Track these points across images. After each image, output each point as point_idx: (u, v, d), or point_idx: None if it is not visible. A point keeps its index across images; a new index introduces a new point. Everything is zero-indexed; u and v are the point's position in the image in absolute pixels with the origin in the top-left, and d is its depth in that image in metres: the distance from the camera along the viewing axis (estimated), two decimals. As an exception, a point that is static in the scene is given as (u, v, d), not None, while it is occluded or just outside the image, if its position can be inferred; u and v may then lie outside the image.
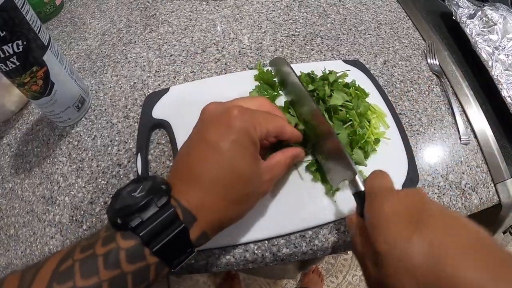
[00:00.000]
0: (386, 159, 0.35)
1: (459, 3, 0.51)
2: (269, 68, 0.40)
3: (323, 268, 1.11)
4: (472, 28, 0.48)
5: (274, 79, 0.38)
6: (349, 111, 0.35)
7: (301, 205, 0.32)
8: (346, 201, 0.32)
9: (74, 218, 0.33)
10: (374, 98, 0.39)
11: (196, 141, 0.25)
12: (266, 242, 0.31)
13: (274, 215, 0.31)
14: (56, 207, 0.33)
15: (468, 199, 0.35)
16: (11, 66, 0.30)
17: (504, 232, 0.43)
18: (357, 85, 0.39)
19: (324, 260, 1.10)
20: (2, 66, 0.30)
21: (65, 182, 0.35)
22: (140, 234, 0.20)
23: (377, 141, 0.35)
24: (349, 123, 0.34)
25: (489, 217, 0.40)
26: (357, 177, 0.26)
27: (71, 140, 0.38)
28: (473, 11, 0.50)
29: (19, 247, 0.32)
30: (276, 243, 0.31)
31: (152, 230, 0.20)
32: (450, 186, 0.36)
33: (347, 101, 0.36)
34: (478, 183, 0.38)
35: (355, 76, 0.41)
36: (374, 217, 0.20)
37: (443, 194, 0.35)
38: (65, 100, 0.36)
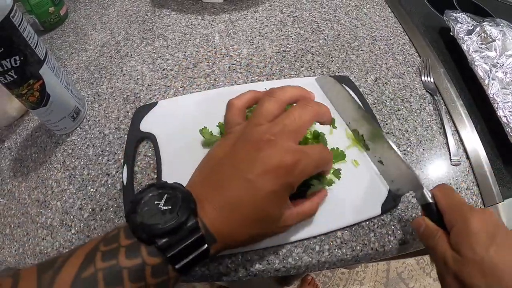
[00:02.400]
0: (366, 178, 0.35)
1: (458, 19, 0.50)
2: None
3: (320, 281, 1.10)
4: (469, 44, 0.47)
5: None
6: None
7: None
8: (318, 218, 0.32)
9: (64, 222, 0.34)
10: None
11: (229, 159, 0.24)
12: (240, 256, 0.32)
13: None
14: (49, 210, 0.35)
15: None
16: (9, 79, 0.32)
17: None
18: None
19: (321, 273, 1.08)
20: (1, 78, 0.32)
21: (58, 188, 0.37)
22: (168, 256, 0.21)
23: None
24: None
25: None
26: (424, 190, 0.29)
27: (66, 148, 0.40)
28: (472, 27, 0.49)
29: (13, 246, 0.34)
30: (249, 258, 0.32)
31: (179, 253, 0.21)
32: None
33: None
34: (467, 206, 0.37)
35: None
36: (462, 229, 0.25)
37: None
38: (61, 110, 0.38)
